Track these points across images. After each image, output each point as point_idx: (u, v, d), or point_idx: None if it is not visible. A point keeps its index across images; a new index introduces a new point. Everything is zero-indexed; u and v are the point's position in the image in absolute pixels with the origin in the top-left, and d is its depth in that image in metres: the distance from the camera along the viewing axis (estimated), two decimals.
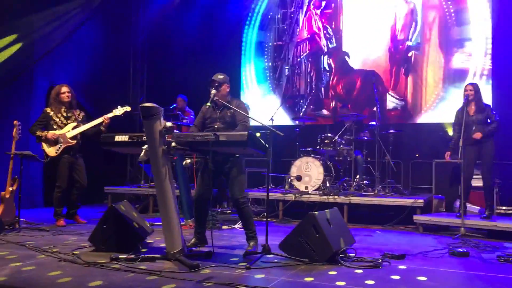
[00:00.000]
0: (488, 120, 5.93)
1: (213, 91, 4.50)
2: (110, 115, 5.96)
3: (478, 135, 5.84)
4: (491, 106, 6.28)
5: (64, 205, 6.10)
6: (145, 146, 3.90)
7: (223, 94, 4.57)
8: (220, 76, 4.60)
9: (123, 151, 5.24)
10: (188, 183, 6.36)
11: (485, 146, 5.91)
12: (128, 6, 10.33)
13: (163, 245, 4.15)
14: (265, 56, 9.80)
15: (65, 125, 6.04)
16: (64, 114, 6.07)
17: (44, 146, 6.00)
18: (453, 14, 8.22)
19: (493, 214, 6.09)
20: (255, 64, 9.88)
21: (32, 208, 7.68)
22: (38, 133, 5.96)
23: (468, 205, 6.33)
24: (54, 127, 6.00)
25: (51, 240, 4.94)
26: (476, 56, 8.01)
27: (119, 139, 4.19)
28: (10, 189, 5.70)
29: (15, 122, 5.89)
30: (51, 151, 5.97)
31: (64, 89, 6.09)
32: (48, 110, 6.07)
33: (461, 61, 8.14)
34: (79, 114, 6.17)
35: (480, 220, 5.79)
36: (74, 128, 6.03)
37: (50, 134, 5.94)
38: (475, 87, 6.08)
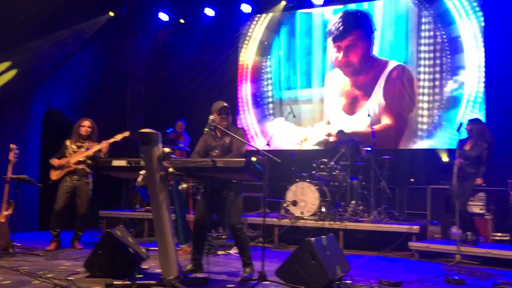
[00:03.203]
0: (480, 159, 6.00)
1: (211, 117, 4.54)
2: (109, 141, 6.08)
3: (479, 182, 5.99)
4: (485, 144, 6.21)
5: (59, 229, 6.07)
6: (142, 171, 3.92)
7: (228, 123, 4.60)
8: (226, 105, 4.63)
9: (120, 175, 5.25)
10: (184, 208, 6.35)
11: (466, 181, 5.99)
12: (126, 30, 10.44)
13: (159, 271, 4.13)
14: (262, 81, 9.90)
15: (75, 153, 6.17)
16: (78, 144, 6.23)
17: (52, 170, 6.17)
18: (446, 43, 8.37)
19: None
20: (251, 88, 9.97)
21: (26, 232, 7.62)
22: (50, 160, 6.19)
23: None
24: (67, 155, 6.17)
25: (45, 265, 4.90)
26: (470, 83, 8.13)
27: (117, 164, 4.20)
28: (5, 213, 5.67)
29: (11, 145, 5.92)
30: (53, 174, 6.14)
31: (85, 123, 6.29)
32: (67, 141, 6.27)
33: (455, 88, 8.26)
34: (93, 145, 6.22)
35: (475, 247, 5.80)
36: (80, 154, 6.15)
37: (56, 161, 6.12)
38: (471, 124, 6.18)
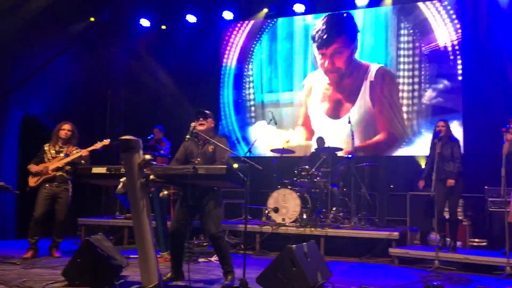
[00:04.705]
0: (453, 156, 6.07)
1: (193, 124, 4.53)
2: (89, 149, 6.01)
3: (451, 183, 6.01)
4: (459, 141, 6.41)
5: (37, 236, 5.96)
6: (123, 179, 3.88)
7: (208, 129, 4.59)
8: (207, 111, 4.65)
9: (100, 183, 5.21)
10: (165, 215, 6.30)
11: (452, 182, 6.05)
12: (107, 36, 10.36)
13: (139, 279, 4.08)
14: (244, 84, 9.92)
15: (54, 158, 6.07)
16: (57, 149, 6.14)
17: (30, 176, 6.06)
18: (424, 52, 8.52)
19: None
20: (233, 94, 9.99)
21: (3, 240, 7.47)
22: (28, 166, 6.07)
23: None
24: (45, 160, 6.07)
25: (22, 274, 4.80)
26: (448, 92, 8.28)
27: (97, 171, 4.14)
28: None
29: None
30: (31, 181, 6.03)
31: (65, 126, 6.21)
32: (46, 146, 6.18)
33: (433, 96, 8.40)
34: (72, 150, 6.14)
35: (453, 253, 5.88)
36: (59, 161, 6.04)
37: (34, 168, 6.02)
38: (445, 122, 6.28)
